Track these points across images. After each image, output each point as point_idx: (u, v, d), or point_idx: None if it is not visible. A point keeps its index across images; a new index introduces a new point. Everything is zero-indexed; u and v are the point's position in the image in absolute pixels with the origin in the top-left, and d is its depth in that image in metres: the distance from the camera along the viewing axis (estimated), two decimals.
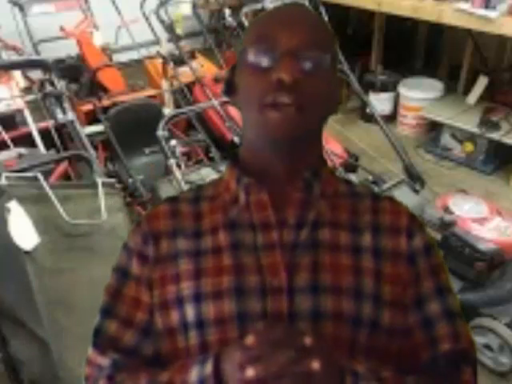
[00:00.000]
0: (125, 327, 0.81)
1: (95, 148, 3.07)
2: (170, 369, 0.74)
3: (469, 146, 3.88)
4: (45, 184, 1.97)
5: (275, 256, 0.76)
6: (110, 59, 4.17)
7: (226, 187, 0.83)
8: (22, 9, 4.12)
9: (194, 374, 0.69)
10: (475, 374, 0.78)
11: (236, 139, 2.85)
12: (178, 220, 0.82)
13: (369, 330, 0.74)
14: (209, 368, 0.67)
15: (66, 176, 2.98)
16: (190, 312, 0.76)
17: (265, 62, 0.72)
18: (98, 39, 4.20)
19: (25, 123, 3.31)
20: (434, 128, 4.23)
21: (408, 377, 0.73)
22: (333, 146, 3.16)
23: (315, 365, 0.60)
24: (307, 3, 3.00)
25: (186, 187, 2.45)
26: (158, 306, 0.79)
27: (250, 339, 0.62)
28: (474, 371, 0.78)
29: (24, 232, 1.82)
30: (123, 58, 4.19)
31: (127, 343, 0.80)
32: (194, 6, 3.37)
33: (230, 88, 0.80)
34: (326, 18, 2.95)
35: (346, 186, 0.86)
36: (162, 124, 2.59)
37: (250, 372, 0.60)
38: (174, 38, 3.20)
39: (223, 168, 0.91)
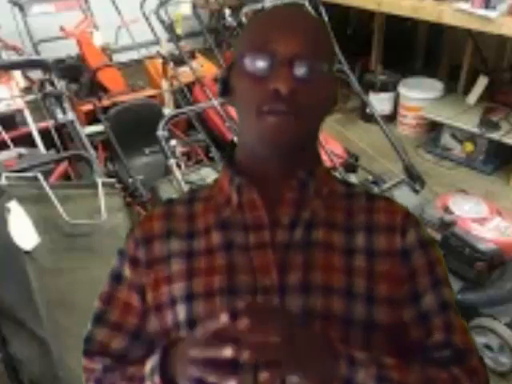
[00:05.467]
0: (114, 332, 0.82)
1: (95, 148, 3.07)
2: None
3: (469, 146, 3.88)
4: (45, 184, 1.97)
5: (266, 256, 0.76)
6: (110, 59, 4.16)
7: (219, 188, 0.83)
8: (22, 9, 4.12)
9: (148, 364, 0.72)
10: (471, 373, 0.73)
11: (236, 139, 2.84)
12: (172, 221, 0.82)
13: (362, 330, 0.74)
14: (156, 358, 0.70)
15: (66, 176, 2.98)
16: (182, 312, 0.76)
17: (261, 69, 0.72)
18: (98, 39, 4.19)
19: (25, 123, 3.31)
20: (433, 128, 4.23)
21: (413, 364, 0.72)
22: (333, 146, 3.15)
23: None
24: (307, 3, 3.00)
25: (186, 187, 2.45)
26: (153, 308, 0.80)
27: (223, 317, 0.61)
28: (469, 370, 0.74)
29: (24, 232, 1.82)
30: (123, 58, 4.17)
31: (116, 347, 0.82)
32: (194, 6, 3.37)
33: (226, 88, 0.80)
34: (326, 18, 2.95)
35: (343, 186, 0.86)
36: (161, 124, 2.58)
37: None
38: (174, 38, 3.19)
39: None
